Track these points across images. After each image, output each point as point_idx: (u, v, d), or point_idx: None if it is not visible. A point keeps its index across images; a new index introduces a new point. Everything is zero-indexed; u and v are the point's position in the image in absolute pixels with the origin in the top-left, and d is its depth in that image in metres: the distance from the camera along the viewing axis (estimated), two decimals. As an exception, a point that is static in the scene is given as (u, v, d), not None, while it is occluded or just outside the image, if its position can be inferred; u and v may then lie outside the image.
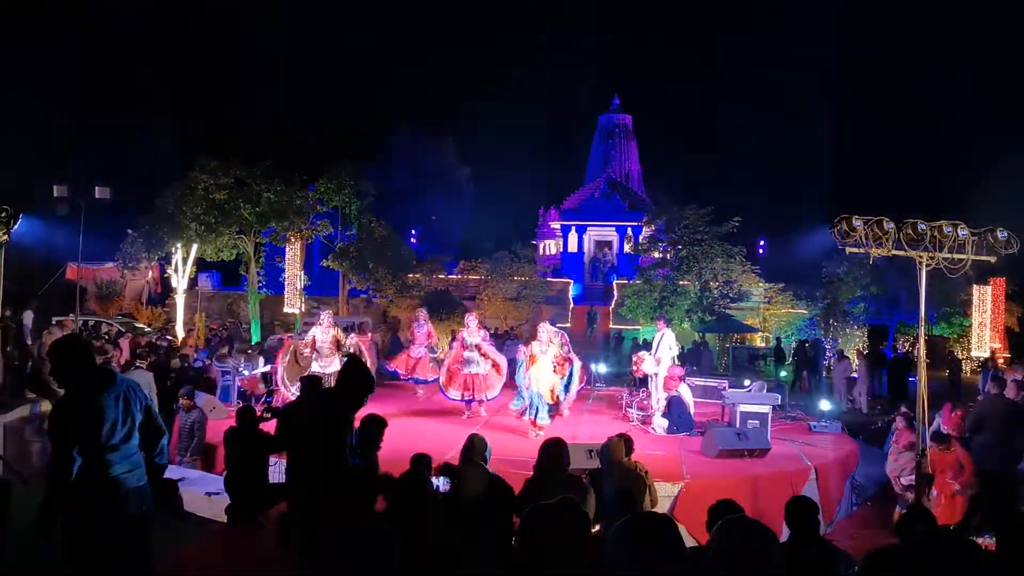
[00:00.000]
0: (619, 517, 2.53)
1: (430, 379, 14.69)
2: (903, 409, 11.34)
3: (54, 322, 17.66)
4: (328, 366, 12.48)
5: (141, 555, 4.16)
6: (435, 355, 15.72)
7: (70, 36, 39.97)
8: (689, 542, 4.95)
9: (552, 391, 11.98)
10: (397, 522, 4.65)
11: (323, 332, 12.84)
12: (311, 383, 8.64)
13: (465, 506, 4.98)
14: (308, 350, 12.77)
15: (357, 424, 6.14)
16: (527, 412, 11.82)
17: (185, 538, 7.19)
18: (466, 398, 12.75)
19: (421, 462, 5.96)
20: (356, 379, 4.71)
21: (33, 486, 8.20)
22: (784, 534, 4.17)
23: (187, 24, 56.42)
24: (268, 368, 14.14)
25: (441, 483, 5.67)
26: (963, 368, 23.83)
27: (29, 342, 14.48)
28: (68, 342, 4.36)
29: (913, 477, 9.10)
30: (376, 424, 6.20)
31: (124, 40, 43.11)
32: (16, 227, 9.65)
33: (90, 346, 4.54)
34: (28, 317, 15.24)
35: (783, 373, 21.70)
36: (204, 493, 8.53)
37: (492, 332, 22.92)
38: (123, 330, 20.69)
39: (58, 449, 4.03)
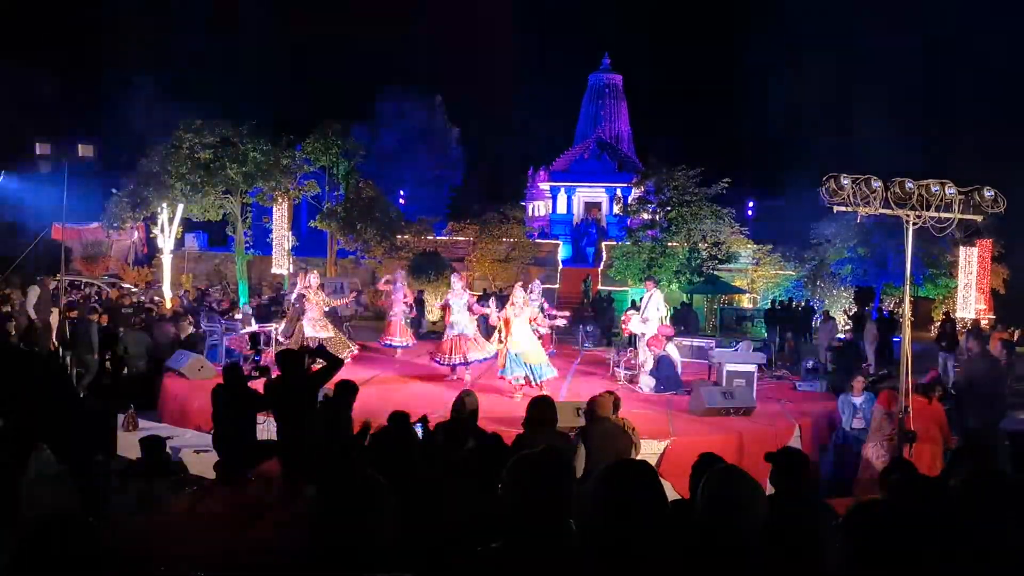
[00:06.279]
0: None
1: (408, 343, 15.11)
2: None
3: (38, 279, 17.51)
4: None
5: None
6: (409, 316, 15.93)
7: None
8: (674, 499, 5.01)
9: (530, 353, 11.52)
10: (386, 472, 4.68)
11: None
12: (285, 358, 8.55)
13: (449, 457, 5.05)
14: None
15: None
16: (532, 379, 11.33)
17: (173, 494, 7.20)
18: (449, 362, 12.44)
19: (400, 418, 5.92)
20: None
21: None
22: (768, 490, 4.21)
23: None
24: (256, 328, 14.13)
25: (419, 428, 5.73)
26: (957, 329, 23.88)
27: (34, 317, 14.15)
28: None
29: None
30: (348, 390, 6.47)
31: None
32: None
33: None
34: (33, 293, 14.75)
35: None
36: (193, 450, 8.56)
37: (482, 292, 22.95)
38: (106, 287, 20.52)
39: None
